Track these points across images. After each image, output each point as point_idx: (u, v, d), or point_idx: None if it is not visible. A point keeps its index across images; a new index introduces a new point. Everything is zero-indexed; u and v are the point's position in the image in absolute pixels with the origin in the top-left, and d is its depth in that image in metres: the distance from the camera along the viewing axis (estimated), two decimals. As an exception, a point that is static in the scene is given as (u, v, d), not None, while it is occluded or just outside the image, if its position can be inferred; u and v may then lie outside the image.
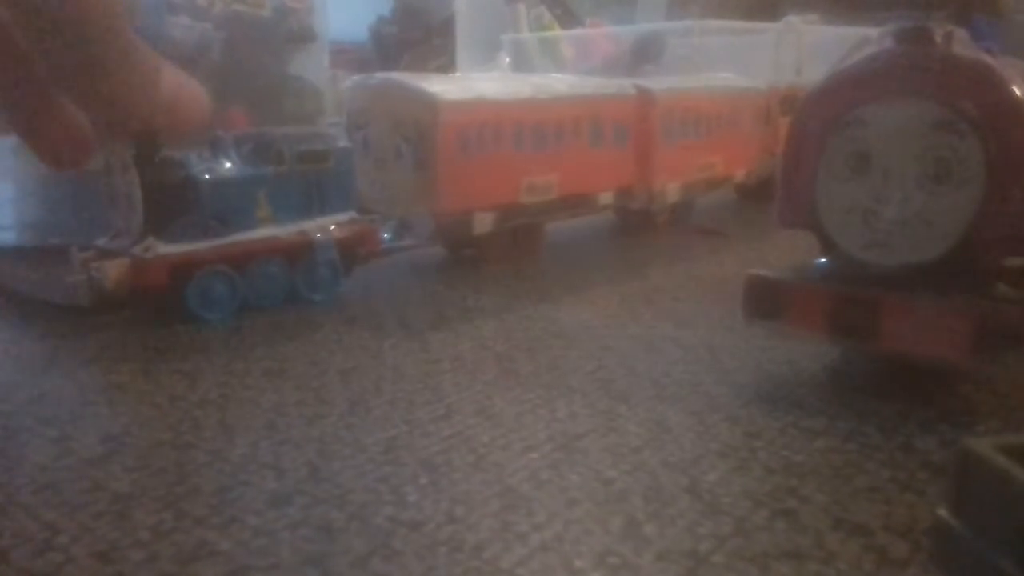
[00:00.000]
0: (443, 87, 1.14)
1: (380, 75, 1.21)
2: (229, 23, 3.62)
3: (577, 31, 2.60)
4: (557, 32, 2.64)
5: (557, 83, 1.32)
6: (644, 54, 2.32)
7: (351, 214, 1.09)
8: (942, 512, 0.45)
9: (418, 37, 4.41)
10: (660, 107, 1.42)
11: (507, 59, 2.77)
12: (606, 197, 1.38)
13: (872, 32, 0.81)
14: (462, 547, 0.51)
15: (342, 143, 1.10)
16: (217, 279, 0.97)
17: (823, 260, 0.80)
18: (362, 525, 0.53)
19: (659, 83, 1.46)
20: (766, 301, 0.79)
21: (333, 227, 1.06)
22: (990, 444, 0.44)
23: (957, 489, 0.45)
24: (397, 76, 1.20)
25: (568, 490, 0.58)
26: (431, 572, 0.49)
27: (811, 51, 2.15)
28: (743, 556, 0.50)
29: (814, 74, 1.67)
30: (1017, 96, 0.70)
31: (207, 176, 0.96)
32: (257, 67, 3.12)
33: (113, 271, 0.90)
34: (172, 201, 0.94)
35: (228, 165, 0.99)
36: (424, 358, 0.86)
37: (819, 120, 0.78)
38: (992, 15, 4.21)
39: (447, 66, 3.57)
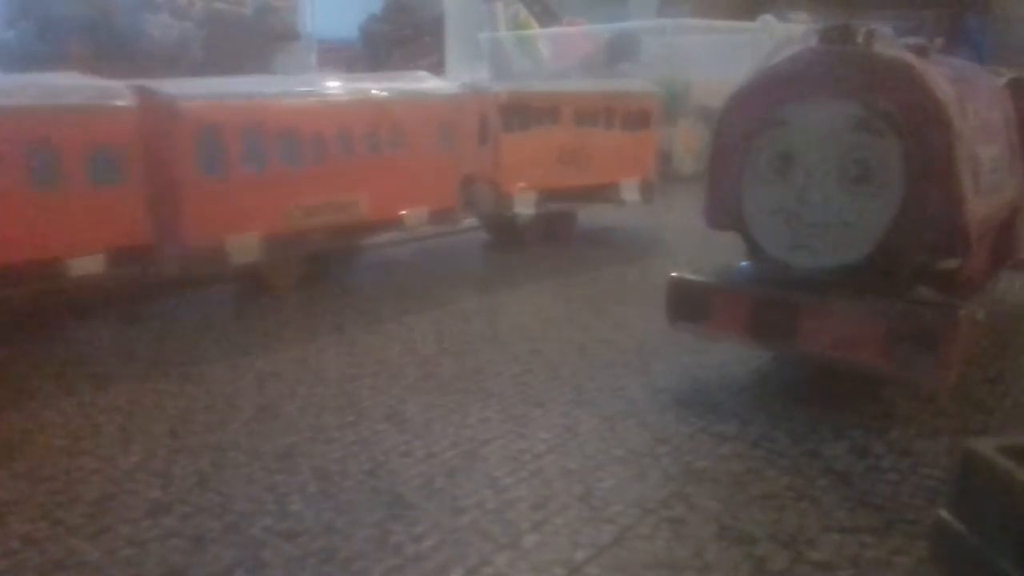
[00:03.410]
0: None
1: None
2: (210, 21, 3.59)
3: (554, 29, 2.59)
4: (534, 30, 2.63)
5: None
6: (619, 53, 2.31)
7: None
8: (943, 512, 0.44)
9: (408, 35, 4.41)
10: (190, 124, 0.95)
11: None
12: (87, 263, 0.90)
13: (797, 30, 0.80)
14: (333, 558, 0.50)
15: None
16: None
17: (748, 262, 0.79)
18: (236, 536, 0.52)
19: (196, 87, 1.02)
20: (689, 303, 0.78)
21: None
22: (992, 445, 0.43)
23: (958, 490, 0.44)
24: None
25: (458, 498, 0.57)
26: (295, 584, 0.47)
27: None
28: (617, 567, 0.49)
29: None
30: (936, 95, 0.69)
31: None
32: (238, 65, 3.11)
33: None
34: None
35: None
36: None
37: (743, 120, 0.77)
38: (983, 13, 4.19)
39: (437, 64, 3.57)
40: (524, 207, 1.35)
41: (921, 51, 0.81)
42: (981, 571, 0.41)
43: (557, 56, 2.55)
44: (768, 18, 2.28)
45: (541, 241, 1.43)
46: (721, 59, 2.21)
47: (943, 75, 0.74)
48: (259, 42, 3.27)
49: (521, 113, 1.32)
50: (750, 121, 0.76)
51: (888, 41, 0.75)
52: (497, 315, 1.02)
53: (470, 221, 1.40)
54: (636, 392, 0.76)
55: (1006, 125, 0.87)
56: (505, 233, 1.43)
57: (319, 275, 1.16)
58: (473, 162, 1.28)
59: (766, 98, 0.75)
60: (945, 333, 0.65)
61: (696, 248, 1.40)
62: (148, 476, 0.60)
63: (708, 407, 0.72)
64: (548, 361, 0.85)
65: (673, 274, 0.78)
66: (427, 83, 1.25)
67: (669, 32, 2.13)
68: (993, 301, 0.83)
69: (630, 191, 1.51)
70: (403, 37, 4.38)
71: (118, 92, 0.93)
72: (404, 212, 1.19)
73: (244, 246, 1.01)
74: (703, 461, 0.62)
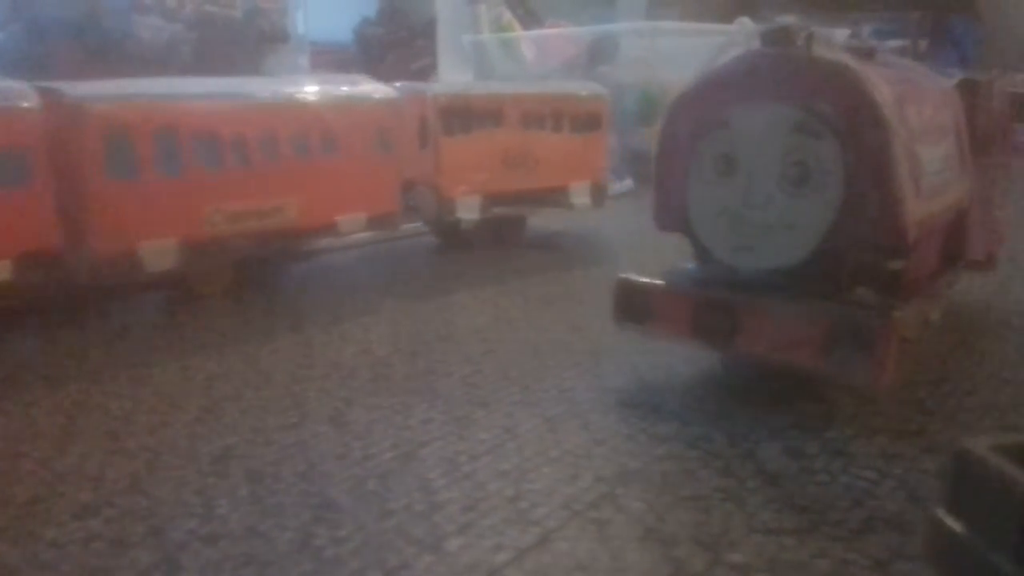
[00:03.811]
0: None
1: None
2: (200, 24, 3.59)
3: (536, 32, 2.59)
4: (517, 33, 2.63)
5: None
6: (598, 55, 2.31)
7: None
8: (939, 512, 0.45)
9: (402, 38, 4.42)
10: (97, 125, 0.92)
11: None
12: None
13: (737, 31, 0.80)
14: (251, 562, 0.50)
15: None
16: None
17: (693, 264, 0.79)
18: (157, 539, 0.52)
19: (106, 88, 0.96)
20: (635, 305, 0.78)
21: None
22: (987, 444, 0.43)
23: (954, 489, 0.44)
24: None
25: (387, 501, 0.57)
26: (211, 587, 0.48)
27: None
28: (536, 570, 0.49)
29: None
30: (872, 97, 0.69)
31: None
32: (229, 68, 3.11)
33: None
34: None
35: None
36: None
37: (688, 122, 0.77)
38: (969, 16, 4.20)
39: (430, 67, 3.57)
40: (467, 211, 1.32)
41: (866, 53, 0.81)
42: (977, 570, 0.42)
43: (540, 58, 2.55)
44: (744, 20, 2.28)
45: (490, 245, 1.41)
46: (698, 61, 2.22)
47: (884, 77, 0.74)
48: (249, 44, 3.27)
49: (463, 116, 1.29)
50: (695, 123, 0.77)
51: (828, 44, 0.76)
52: (453, 316, 1.02)
53: (414, 226, 1.40)
54: (582, 393, 0.76)
55: (955, 127, 0.88)
56: (451, 237, 1.42)
57: (260, 281, 1.16)
58: (414, 166, 1.25)
59: (709, 100, 0.76)
60: (880, 335, 0.65)
61: (658, 250, 1.41)
62: (81, 479, 0.60)
63: (651, 408, 0.73)
64: (500, 362, 0.85)
65: (620, 275, 0.79)
66: (362, 86, 1.22)
67: (647, 35, 2.13)
68: (939, 301, 0.83)
69: (580, 195, 1.48)
70: (397, 40, 4.39)
71: (21, 93, 0.90)
72: (339, 218, 1.16)
73: (159, 252, 0.98)
74: (636, 462, 0.63)
